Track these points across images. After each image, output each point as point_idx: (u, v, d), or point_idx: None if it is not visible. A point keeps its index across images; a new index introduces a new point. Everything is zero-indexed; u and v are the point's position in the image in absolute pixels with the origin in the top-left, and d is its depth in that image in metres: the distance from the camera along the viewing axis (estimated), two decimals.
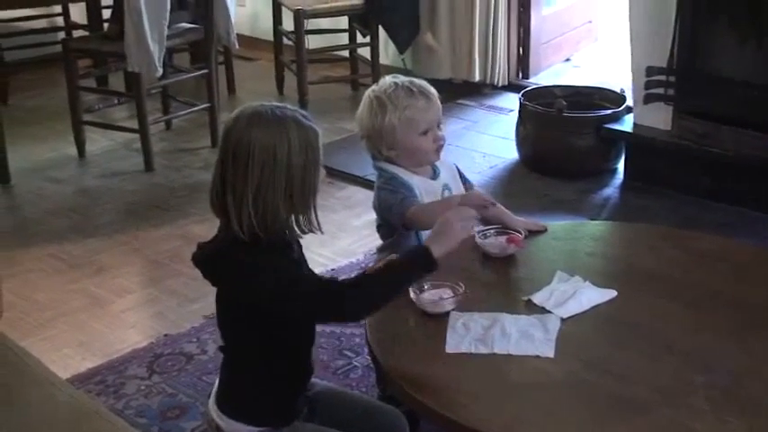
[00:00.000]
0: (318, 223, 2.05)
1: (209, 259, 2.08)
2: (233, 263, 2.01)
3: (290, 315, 2.04)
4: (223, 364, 2.19)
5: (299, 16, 5.25)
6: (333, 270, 3.60)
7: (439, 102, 2.49)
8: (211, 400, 2.16)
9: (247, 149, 1.96)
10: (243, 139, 1.97)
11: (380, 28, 5.50)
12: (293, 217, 2.02)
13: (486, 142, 4.97)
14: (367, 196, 4.24)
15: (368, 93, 2.49)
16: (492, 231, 2.47)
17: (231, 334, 2.14)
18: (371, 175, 3.61)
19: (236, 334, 2.12)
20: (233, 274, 2.02)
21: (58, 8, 5.98)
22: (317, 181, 2.03)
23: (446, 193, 2.54)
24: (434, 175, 2.53)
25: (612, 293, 2.25)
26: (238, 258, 1.99)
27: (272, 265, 1.98)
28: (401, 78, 2.48)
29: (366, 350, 2.91)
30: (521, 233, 2.46)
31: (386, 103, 2.41)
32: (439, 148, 2.50)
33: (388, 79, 2.49)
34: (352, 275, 2.30)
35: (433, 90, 2.48)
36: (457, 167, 2.68)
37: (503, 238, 2.44)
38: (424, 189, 2.47)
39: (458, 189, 2.58)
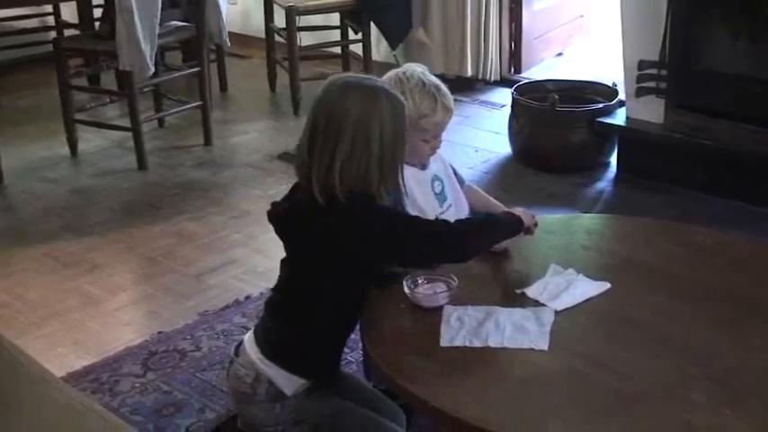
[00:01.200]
0: (404, 185, 2.18)
1: (295, 217, 2.14)
2: (338, 218, 2.05)
3: (395, 255, 2.14)
4: (274, 320, 2.20)
5: (291, 13, 5.25)
6: None
7: (453, 110, 2.47)
8: (252, 354, 2.17)
9: (340, 120, 2.02)
10: (335, 109, 2.03)
11: (372, 24, 5.49)
12: (379, 184, 2.07)
13: (478, 137, 4.97)
14: None
15: (394, 77, 2.42)
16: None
17: (296, 288, 2.17)
18: None
19: (305, 292, 2.15)
20: (334, 228, 2.06)
21: (48, 8, 5.98)
22: (404, 148, 2.12)
23: (436, 185, 2.53)
24: (424, 165, 2.53)
25: (606, 285, 2.25)
26: (345, 213, 2.05)
27: (378, 209, 2.08)
28: (429, 79, 2.42)
29: (361, 345, 2.91)
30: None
31: (408, 100, 2.34)
32: (432, 153, 2.50)
33: (417, 72, 2.43)
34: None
35: (452, 103, 2.45)
36: (452, 166, 2.66)
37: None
38: (414, 179, 2.46)
39: (450, 182, 2.58)
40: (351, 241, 2.06)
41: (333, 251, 2.07)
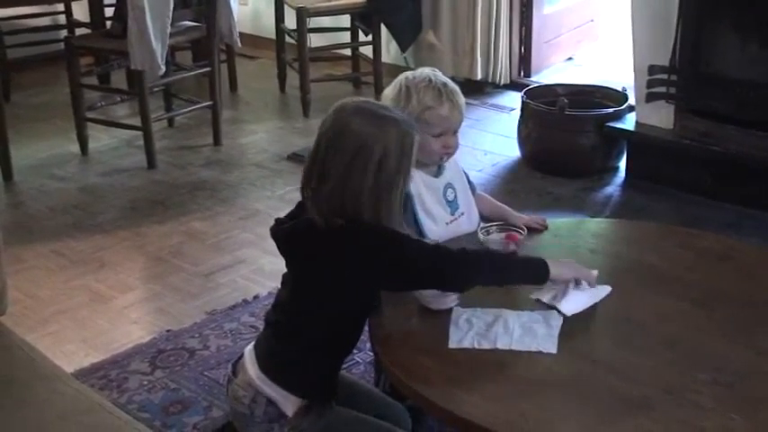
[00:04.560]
0: (400, 223, 2.09)
1: (295, 239, 2.11)
2: (340, 243, 2.02)
3: (398, 280, 2.09)
4: (277, 339, 2.18)
5: (302, 14, 5.26)
6: None
7: (463, 110, 2.47)
8: (252, 373, 2.15)
9: (343, 139, 1.99)
10: (342, 129, 2.01)
11: (383, 26, 5.50)
12: (371, 214, 2.02)
13: (488, 140, 4.98)
14: None
15: (402, 77, 2.45)
16: (494, 228, 2.48)
17: (299, 309, 2.14)
18: None
19: (306, 313, 2.13)
20: (338, 255, 2.03)
21: (60, 6, 6.00)
22: (405, 186, 2.08)
23: (449, 192, 2.52)
24: (438, 172, 2.52)
25: (607, 288, 2.25)
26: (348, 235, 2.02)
27: (381, 232, 2.03)
28: (438, 77, 2.44)
29: (368, 346, 2.92)
30: (522, 230, 2.46)
31: (412, 95, 2.39)
32: (446, 155, 2.49)
33: (426, 72, 2.45)
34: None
35: (461, 99, 2.45)
36: (465, 172, 2.66)
37: (504, 235, 2.45)
38: (424, 185, 2.46)
39: (463, 190, 2.57)
40: (352, 266, 2.04)
41: (335, 276, 2.06)
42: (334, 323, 2.13)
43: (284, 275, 2.19)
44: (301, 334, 2.15)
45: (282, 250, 2.15)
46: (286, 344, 2.16)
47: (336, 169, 1.99)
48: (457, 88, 2.46)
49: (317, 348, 2.15)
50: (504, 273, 2.17)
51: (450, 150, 2.47)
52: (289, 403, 2.14)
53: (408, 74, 2.47)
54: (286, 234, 2.13)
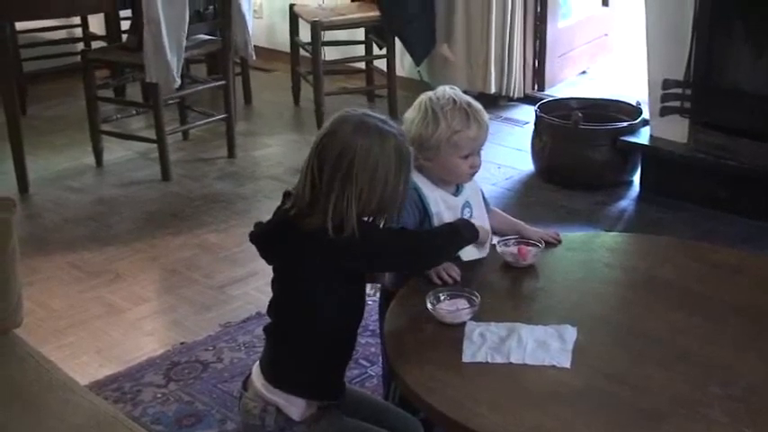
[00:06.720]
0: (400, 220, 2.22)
1: (271, 235, 2.18)
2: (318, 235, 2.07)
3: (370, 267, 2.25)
4: (273, 344, 2.21)
5: (316, 28, 5.28)
6: None
7: (488, 128, 2.47)
8: (258, 384, 2.18)
9: (350, 157, 2.05)
10: (348, 146, 2.07)
11: (397, 40, 5.51)
12: (376, 218, 2.15)
13: (501, 154, 4.98)
14: None
15: (425, 100, 2.44)
16: (512, 241, 2.49)
17: (286, 308, 2.18)
18: None
19: (292, 308, 2.16)
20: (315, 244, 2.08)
21: (76, 19, 6.04)
22: (406, 194, 2.16)
23: (466, 211, 2.52)
24: (456, 191, 2.52)
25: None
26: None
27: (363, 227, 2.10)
28: (460, 96, 2.43)
29: (381, 360, 2.92)
30: (539, 243, 2.47)
31: (440, 119, 2.38)
32: (473, 173, 2.50)
33: (447, 92, 2.43)
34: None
35: (486, 117, 2.45)
36: (481, 190, 2.66)
37: (520, 248, 2.46)
38: (444, 204, 2.46)
39: (479, 209, 2.57)
40: (324, 260, 2.09)
41: (312, 272, 2.10)
42: (322, 320, 2.14)
43: (272, 279, 2.21)
44: (292, 333, 2.17)
45: (262, 252, 2.19)
46: (281, 345, 2.19)
47: (349, 187, 2.04)
48: (480, 107, 2.45)
49: (311, 346, 2.16)
50: (448, 244, 2.31)
51: (476, 169, 2.48)
52: (293, 407, 2.14)
53: (431, 95, 2.44)
54: (264, 234, 2.17)
